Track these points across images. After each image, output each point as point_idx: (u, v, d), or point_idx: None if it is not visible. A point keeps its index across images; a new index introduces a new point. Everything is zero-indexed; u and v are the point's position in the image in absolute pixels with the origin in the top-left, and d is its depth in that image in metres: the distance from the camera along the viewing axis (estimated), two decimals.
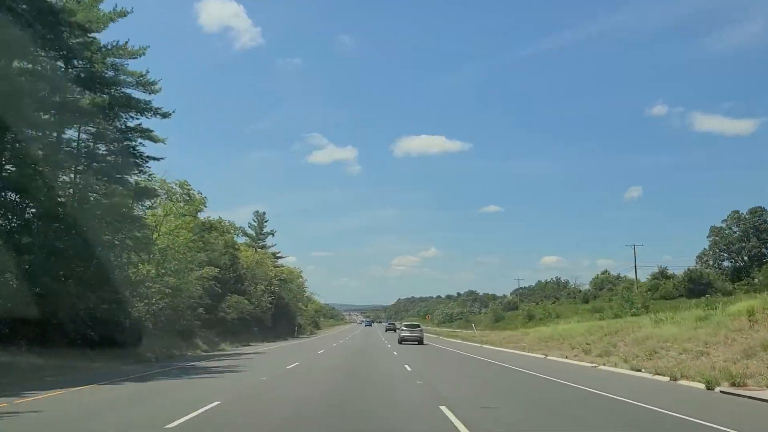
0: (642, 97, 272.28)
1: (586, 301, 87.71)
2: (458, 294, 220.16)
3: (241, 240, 66.51)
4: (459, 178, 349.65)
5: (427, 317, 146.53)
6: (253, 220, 79.50)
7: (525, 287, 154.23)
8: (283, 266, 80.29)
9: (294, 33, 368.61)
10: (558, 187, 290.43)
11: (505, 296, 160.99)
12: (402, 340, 41.03)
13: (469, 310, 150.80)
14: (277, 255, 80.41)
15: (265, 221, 78.68)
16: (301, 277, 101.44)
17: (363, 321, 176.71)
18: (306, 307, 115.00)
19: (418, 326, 46.41)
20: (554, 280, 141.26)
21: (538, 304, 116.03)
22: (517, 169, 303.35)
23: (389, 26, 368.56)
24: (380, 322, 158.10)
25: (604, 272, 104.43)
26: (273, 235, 79.85)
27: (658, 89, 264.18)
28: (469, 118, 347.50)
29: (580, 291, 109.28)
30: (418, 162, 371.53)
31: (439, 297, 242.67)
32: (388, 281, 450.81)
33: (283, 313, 64.73)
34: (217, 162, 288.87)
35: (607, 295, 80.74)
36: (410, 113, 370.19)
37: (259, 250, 68.88)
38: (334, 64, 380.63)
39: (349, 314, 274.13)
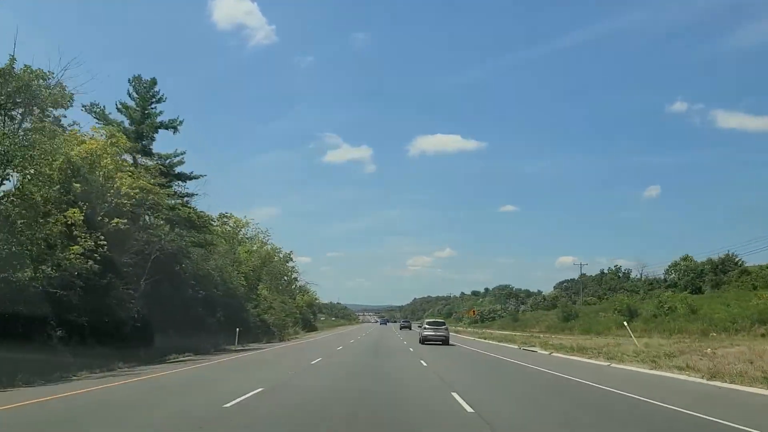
0: (659, 96, 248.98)
1: (695, 291, 58.44)
2: (486, 290, 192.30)
3: (100, 136, 26.16)
4: (474, 177, 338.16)
5: (472, 312, 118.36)
6: (131, 92, 35.32)
7: (568, 279, 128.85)
8: (191, 200, 38.58)
9: (308, 31, 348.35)
10: (573, 186, 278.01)
11: (540, 291, 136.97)
12: (424, 340, 37.91)
13: (503, 306, 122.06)
14: (177, 171, 37.40)
15: (158, 100, 35.62)
16: (278, 249, 68.99)
17: (378, 320, 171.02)
18: (295, 299, 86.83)
19: (443, 324, 41.57)
20: (613, 269, 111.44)
21: (602, 298, 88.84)
22: (532, 168, 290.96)
23: (403, 24, 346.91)
24: (395, 322, 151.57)
25: (685, 257, 77.53)
26: (175, 130, 36.25)
27: (676, 86, 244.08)
28: (484, 117, 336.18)
29: (664, 280, 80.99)
30: (433, 161, 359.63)
31: (463, 294, 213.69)
32: (403, 281, 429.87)
33: (191, 299, 33.06)
34: (230, 161, 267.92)
35: (745, 279, 51.28)
36: (425, 112, 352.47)
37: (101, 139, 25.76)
38: (348, 63, 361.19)
39: (363, 314, 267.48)
